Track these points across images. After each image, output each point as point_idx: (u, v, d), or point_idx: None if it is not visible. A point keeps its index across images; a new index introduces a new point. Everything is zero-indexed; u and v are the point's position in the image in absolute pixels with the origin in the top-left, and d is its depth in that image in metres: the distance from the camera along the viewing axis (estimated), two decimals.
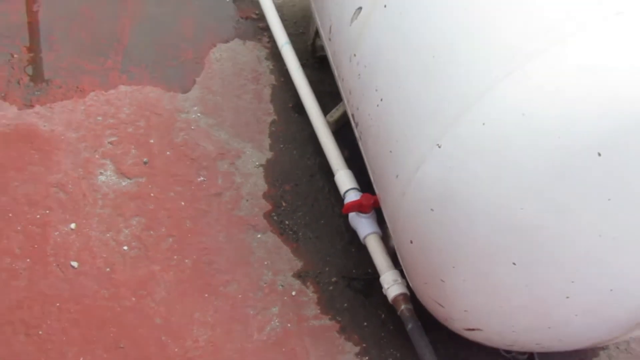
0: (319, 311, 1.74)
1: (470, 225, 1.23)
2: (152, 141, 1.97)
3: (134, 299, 1.64)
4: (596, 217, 1.16)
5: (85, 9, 2.33)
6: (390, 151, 1.37)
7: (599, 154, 1.07)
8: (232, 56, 2.29)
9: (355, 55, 1.52)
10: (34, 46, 2.19)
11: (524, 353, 1.74)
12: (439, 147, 1.20)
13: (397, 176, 1.35)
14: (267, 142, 2.06)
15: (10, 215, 1.72)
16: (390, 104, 1.38)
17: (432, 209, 1.25)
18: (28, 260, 1.65)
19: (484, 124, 1.14)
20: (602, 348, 1.79)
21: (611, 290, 1.30)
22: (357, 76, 1.51)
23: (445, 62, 1.23)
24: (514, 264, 1.24)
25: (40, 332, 1.55)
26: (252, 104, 2.17)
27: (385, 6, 1.40)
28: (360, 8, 1.48)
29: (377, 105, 1.42)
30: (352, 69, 1.54)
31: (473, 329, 1.46)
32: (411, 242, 1.39)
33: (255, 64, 2.29)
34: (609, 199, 1.13)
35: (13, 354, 1.50)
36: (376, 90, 1.42)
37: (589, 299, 1.33)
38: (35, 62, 2.13)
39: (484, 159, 1.15)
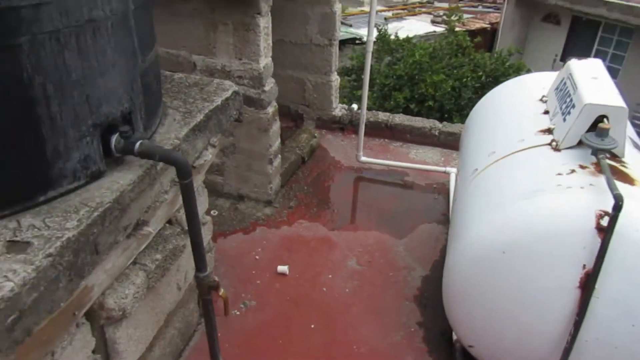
0: (422, 339, 2.60)
1: (459, 285, 2.08)
2: (376, 254, 3.13)
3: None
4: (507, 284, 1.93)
5: (377, 198, 3.75)
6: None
7: (504, 252, 1.91)
8: (428, 230, 3.33)
9: (455, 203, 2.53)
10: (327, 203, 3.64)
11: None
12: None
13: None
14: (430, 267, 3.04)
15: (300, 256, 3.06)
16: (458, 222, 2.36)
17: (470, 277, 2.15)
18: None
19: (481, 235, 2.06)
20: None
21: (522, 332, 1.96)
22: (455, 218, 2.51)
23: (471, 213, 2.21)
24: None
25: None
26: (428, 249, 3.11)
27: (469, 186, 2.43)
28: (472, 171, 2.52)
29: (455, 223, 2.40)
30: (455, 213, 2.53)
31: (471, 346, 2.17)
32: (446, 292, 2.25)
33: (438, 234, 3.28)
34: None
35: None
36: (459, 213, 2.41)
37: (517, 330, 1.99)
38: (323, 207, 3.55)
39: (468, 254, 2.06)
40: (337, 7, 3.97)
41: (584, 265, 1.80)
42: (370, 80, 12.34)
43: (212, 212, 3.38)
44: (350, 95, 11.63)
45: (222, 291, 1.92)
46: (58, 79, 1.36)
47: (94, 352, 1.77)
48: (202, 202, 2.43)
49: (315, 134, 4.20)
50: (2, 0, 1.19)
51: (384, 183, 3.90)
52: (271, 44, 3.04)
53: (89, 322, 1.72)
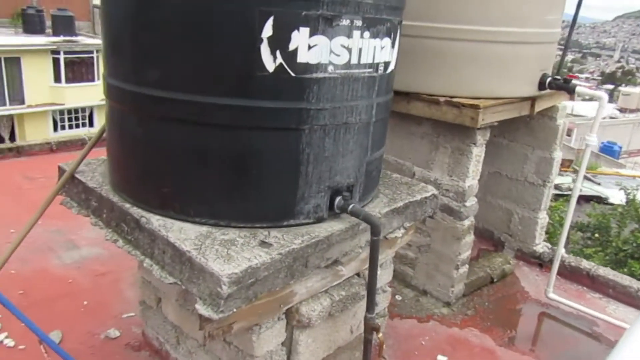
0: None
1: None
2: None
3: None
4: None
5: (555, 335, 3.76)
6: None
7: None
8: None
9: None
10: (502, 323, 3.74)
11: None
12: None
13: None
14: None
15: None
16: None
17: None
18: None
19: None
20: None
21: None
22: None
23: None
24: None
25: None
26: None
27: None
28: None
29: None
30: None
31: None
32: None
33: None
34: None
35: None
36: None
37: None
38: (497, 325, 3.66)
39: None
40: (557, 154, 4.34)
41: None
42: (606, 241, 11.58)
43: (396, 296, 3.92)
44: (579, 252, 11.02)
45: (380, 334, 2.44)
46: (317, 152, 2.21)
47: (282, 344, 2.47)
48: (388, 273, 3.04)
49: (510, 261, 4.45)
50: (303, 104, 2.09)
51: (567, 325, 3.89)
52: (480, 170, 3.61)
53: (286, 320, 2.44)
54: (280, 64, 2.00)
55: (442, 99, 3.38)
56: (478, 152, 3.52)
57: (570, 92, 3.71)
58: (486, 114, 3.32)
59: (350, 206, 2.32)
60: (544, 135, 4.33)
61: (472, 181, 3.59)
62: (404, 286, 4.05)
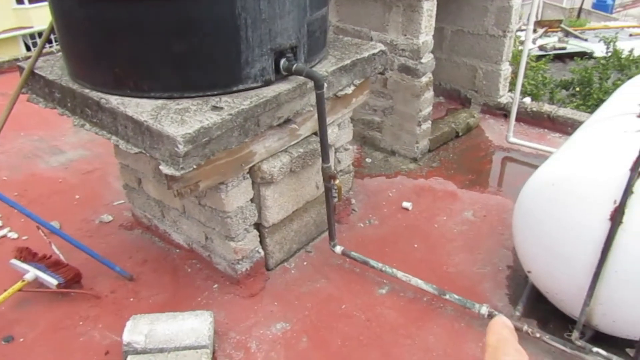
0: (506, 276, 2.97)
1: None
2: (493, 212, 3.52)
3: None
4: None
5: (514, 174, 4.06)
6: None
7: (552, 184, 2.25)
8: None
9: None
10: (465, 169, 4.04)
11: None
12: None
13: None
14: None
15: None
16: None
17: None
18: None
19: None
20: None
21: None
22: None
23: None
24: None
25: None
26: None
27: None
28: None
29: None
30: None
31: (529, 272, 2.50)
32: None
33: None
34: None
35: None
36: None
37: None
38: (460, 171, 3.97)
39: None
40: (515, 1, 4.35)
41: (615, 201, 2.07)
42: (587, 95, 11.73)
43: (367, 159, 4.18)
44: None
45: (338, 181, 2.70)
46: (254, 16, 2.30)
47: (251, 200, 2.73)
48: (347, 132, 3.24)
49: (475, 115, 4.66)
50: None
51: (526, 164, 4.18)
52: (433, 25, 3.67)
53: (251, 179, 2.68)
54: None
55: None
56: (429, 7, 3.56)
57: None
58: None
59: (295, 65, 2.45)
60: None
61: (425, 37, 3.67)
62: (374, 150, 4.29)
